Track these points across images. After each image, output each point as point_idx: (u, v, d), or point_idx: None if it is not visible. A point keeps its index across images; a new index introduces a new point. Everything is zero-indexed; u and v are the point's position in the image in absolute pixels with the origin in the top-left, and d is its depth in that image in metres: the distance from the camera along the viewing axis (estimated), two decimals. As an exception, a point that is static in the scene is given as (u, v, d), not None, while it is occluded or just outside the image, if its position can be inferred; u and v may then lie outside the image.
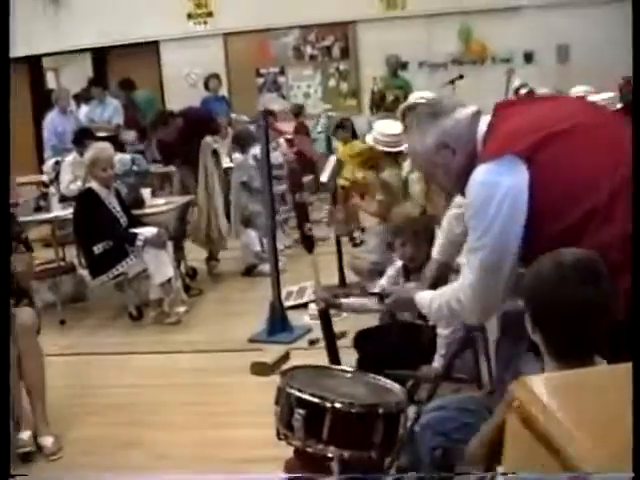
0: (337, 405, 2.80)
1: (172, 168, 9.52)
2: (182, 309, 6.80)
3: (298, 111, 12.64)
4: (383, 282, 4.19)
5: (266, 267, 7.83)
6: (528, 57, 13.25)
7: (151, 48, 14.12)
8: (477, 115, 2.67)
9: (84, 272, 7.41)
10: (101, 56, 14.54)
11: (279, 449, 3.84)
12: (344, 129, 9.84)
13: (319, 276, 4.02)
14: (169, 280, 6.69)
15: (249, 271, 8.15)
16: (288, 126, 11.36)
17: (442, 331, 3.78)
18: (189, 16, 14.06)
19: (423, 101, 5.05)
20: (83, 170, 7.35)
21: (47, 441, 4.51)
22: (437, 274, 3.49)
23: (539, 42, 12.99)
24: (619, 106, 7.17)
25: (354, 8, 13.35)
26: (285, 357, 3.28)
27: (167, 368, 5.80)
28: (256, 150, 8.65)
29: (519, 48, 13.27)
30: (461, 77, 10.32)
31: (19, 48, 14.30)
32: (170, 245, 6.94)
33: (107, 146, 7.10)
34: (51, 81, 15.14)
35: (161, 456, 4.37)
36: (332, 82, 14.06)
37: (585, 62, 12.09)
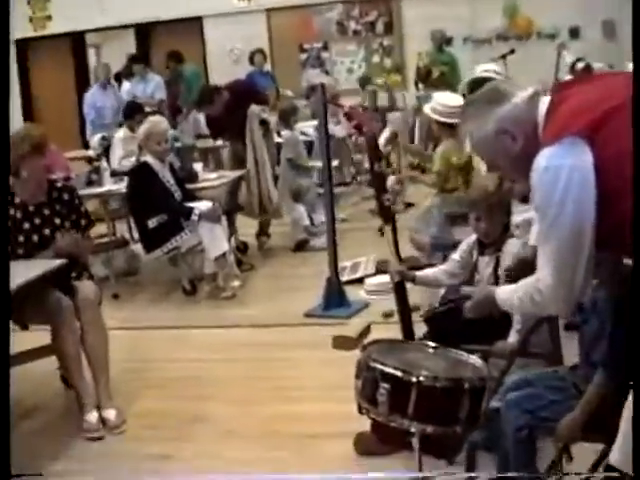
0: (422, 379, 2.73)
1: (219, 142, 9.47)
2: (237, 283, 6.74)
3: (364, 82, 12.52)
4: (456, 257, 4.10)
5: (317, 242, 7.94)
6: (574, 33, 13.04)
7: (194, 24, 14.05)
8: (535, 97, 2.55)
9: (136, 246, 7.37)
10: (144, 32, 14.48)
11: (346, 424, 3.84)
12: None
13: (394, 249, 3.90)
14: (224, 254, 6.62)
15: (299, 246, 8.09)
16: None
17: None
18: (233, -8, 13.96)
19: (492, 75, 4.96)
20: (135, 145, 7.29)
21: (110, 414, 4.47)
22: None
23: (585, 17, 12.78)
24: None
25: (398, -17, 13.18)
26: (367, 330, 3.20)
27: (225, 342, 5.73)
28: (305, 125, 8.63)
29: (564, 24, 13.05)
30: (512, 52, 10.18)
31: (61, 23, 14.32)
32: (224, 219, 6.87)
33: (161, 119, 7.04)
34: (93, 58, 15.10)
35: (228, 432, 4.32)
36: (376, 58, 13.92)
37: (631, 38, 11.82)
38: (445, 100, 5.66)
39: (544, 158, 2.37)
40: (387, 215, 3.96)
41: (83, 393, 4.48)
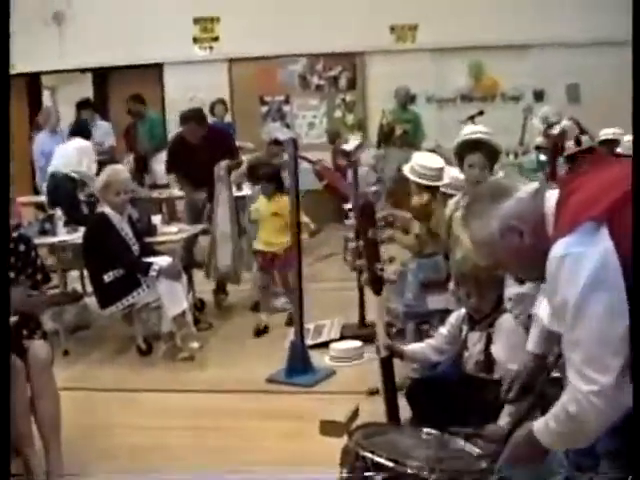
0: (417, 472, 2.51)
1: (176, 193, 9.22)
2: (196, 345, 6.44)
3: (335, 138, 12.44)
4: (443, 331, 3.92)
5: (277, 302, 7.70)
6: (538, 96, 13.10)
7: (154, 71, 13.85)
8: (540, 192, 2.45)
9: (89, 299, 7.07)
10: (102, 77, 14.24)
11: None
12: (269, 181, 7.65)
13: (383, 320, 3.69)
14: (183, 313, 6.36)
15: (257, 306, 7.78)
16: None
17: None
18: (194, 40, 13.82)
19: (482, 135, 4.80)
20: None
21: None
22: (532, 372, 3.06)
23: (549, 80, 12.87)
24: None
25: (363, 39, 13.17)
26: (356, 413, 2.95)
27: (182, 408, 5.44)
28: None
29: (529, 86, 13.11)
30: (481, 113, 10.10)
31: (18, 65, 14.00)
32: (184, 276, 6.61)
33: (121, 169, 6.79)
34: (47, 100, 14.79)
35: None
36: (338, 113, 13.84)
37: (597, 102, 11.90)
38: (425, 161, 5.50)
39: (562, 247, 2.22)
40: (378, 286, 3.76)
41: (32, 462, 4.17)
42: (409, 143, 11.98)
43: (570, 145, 7.23)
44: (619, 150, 7.10)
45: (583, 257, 2.16)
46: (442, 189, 5.53)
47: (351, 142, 7.23)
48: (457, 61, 13.09)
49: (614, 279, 2.15)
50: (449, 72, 13.25)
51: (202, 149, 7.72)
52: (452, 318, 3.94)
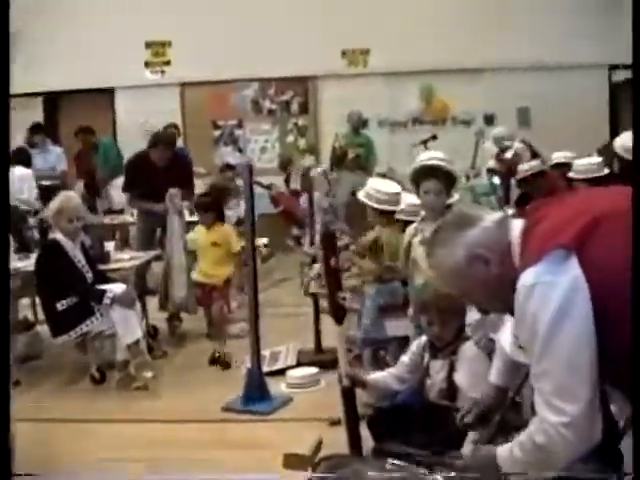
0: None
1: (129, 219, 9.15)
2: (150, 374, 6.34)
3: (286, 164, 12.45)
4: (405, 359, 3.89)
5: (232, 328, 7.61)
6: (489, 119, 13.24)
7: (105, 96, 13.75)
8: (505, 221, 2.44)
9: (40, 327, 6.95)
10: (53, 102, 14.07)
11: None
12: (207, 211, 7.53)
13: (344, 349, 3.65)
14: (137, 341, 6.27)
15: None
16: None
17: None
18: (146, 64, 13.75)
19: (442, 163, 4.79)
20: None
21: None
22: (493, 402, 3.06)
23: (500, 104, 12.99)
24: (606, 171, 6.98)
25: (315, 63, 13.22)
26: (319, 445, 2.91)
27: (137, 439, 5.33)
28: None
29: (480, 110, 13.25)
30: (435, 137, 10.17)
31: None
32: (138, 303, 6.52)
33: (73, 195, 6.69)
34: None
35: None
36: (290, 138, 13.86)
37: (546, 126, 12.05)
38: (381, 186, 5.52)
39: (530, 276, 2.19)
40: (341, 315, 3.71)
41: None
42: (362, 167, 11.99)
43: (523, 168, 7.31)
44: (571, 174, 7.16)
45: (553, 286, 2.14)
46: (398, 215, 5.52)
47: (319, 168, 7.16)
48: (409, 85, 13.22)
49: (583, 308, 2.14)
50: (401, 96, 13.37)
51: (164, 172, 7.73)
52: (413, 346, 3.91)
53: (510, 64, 12.78)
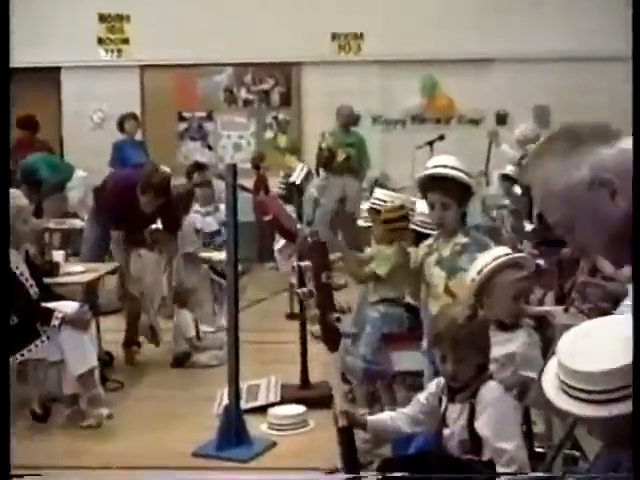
0: None
1: (78, 223, 9.03)
2: (105, 411, 6.20)
3: (259, 162, 12.37)
4: (421, 398, 3.78)
5: (201, 357, 7.66)
6: (501, 118, 13.22)
7: (50, 76, 13.48)
8: None
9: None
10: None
11: None
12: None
13: (340, 381, 3.55)
14: (90, 371, 6.13)
15: (180, 361, 7.69)
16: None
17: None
18: (99, 41, 13.58)
19: (450, 172, 4.66)
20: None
21: None
22: None
23: (514, 101, 12.92)
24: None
25: (300, 48, 13.18)
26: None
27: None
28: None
29: (490, 107, 13.21)
30: (442, 138, 10.10)
31: None
32: (93, 326, 6.39)
33: (18, 194, 6.50)
34: None
35: None
36: (269, 134, 13.78)
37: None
38: (387, 197, 5.56)
39: None
40: (335, 339, 3.61)
41: None
42: (352, 170, 11.98)
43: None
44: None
45: None
46: (412, 226, 5.46)
47: (298, 171, 7.14)
48: (408, 76, 13.11)
49: None
50: (399, 89, 13.27)
51: (150, 216, 7.77)
52: (432, 386, 3.81)
53: (525, 54, 12.82)
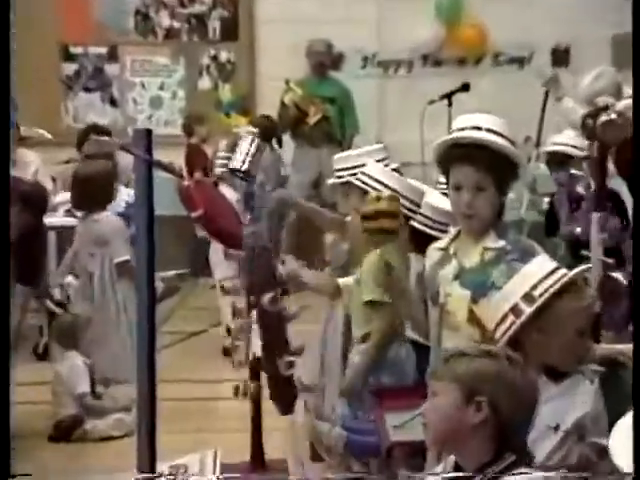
0: None
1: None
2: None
3: (193, 125, 12.32)
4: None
5: (98, 424, 7.67)
6: (560, 57, 13.26)
7: None
8: None
9: None
10: None
11: None
12: None
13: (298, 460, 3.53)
14: None
15: (65, 432, 7.65)
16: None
17: None
18: None
19: (486, 136, 4.61)
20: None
21: None
22: None
23: (580, 30, 13.01)
24: None
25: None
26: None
27: None
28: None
29: (542, 40, 13.33)
30: (466, 88, 10.03)
31: None
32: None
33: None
34: None
35: None
36: (205, 82, 13.83)
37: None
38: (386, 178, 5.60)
39: None
40: (288, 396, 3.55)
41: None
42: (331, 137, 11.95)
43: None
44: None
45: None
46: (417, 225, 5.59)
47: (242, 147, 7.08)
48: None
49: None
50: (402, 16, 13.23)
51: None
52: (439, 469, 3.77)
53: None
